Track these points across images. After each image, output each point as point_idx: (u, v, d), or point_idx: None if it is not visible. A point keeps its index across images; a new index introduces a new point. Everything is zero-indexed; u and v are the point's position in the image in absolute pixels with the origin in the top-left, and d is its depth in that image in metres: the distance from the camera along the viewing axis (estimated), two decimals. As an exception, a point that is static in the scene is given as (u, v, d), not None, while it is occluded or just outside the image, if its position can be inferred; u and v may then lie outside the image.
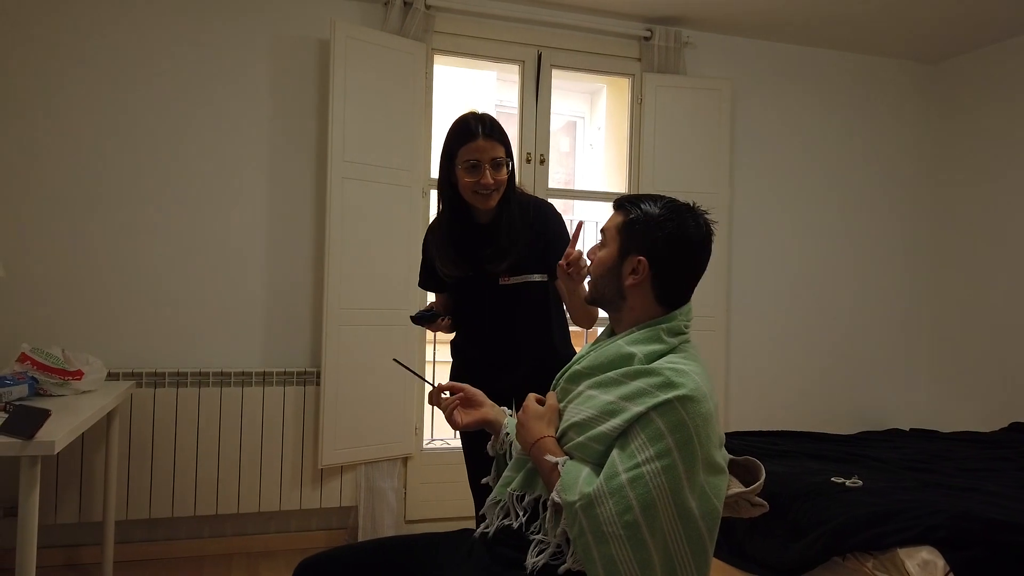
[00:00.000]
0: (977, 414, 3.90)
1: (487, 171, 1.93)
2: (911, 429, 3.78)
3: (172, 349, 3.12)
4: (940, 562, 2.00)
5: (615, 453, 1.30)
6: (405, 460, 3.42)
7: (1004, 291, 3.83)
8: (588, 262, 1.59)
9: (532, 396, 1.52)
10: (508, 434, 1.61)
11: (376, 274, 3.25)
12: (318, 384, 3.19)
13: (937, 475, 2.69)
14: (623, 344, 1.43)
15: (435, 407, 1.59)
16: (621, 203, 1.52)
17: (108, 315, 3.05)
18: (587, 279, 1.59)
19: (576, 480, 1.31)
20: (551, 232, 2.10)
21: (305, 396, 3.20)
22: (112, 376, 2.90)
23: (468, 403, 1.63)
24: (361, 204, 3.20)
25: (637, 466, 1.26)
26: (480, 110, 2.05)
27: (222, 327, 3.18)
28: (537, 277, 2.09)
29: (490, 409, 1.63)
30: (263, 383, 3.15)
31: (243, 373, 3.14)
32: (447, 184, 2.03)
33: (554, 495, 1.33)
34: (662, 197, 1.50)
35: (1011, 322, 3.79)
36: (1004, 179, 3.85)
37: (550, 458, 1.38)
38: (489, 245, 2.04)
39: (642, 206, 1.48)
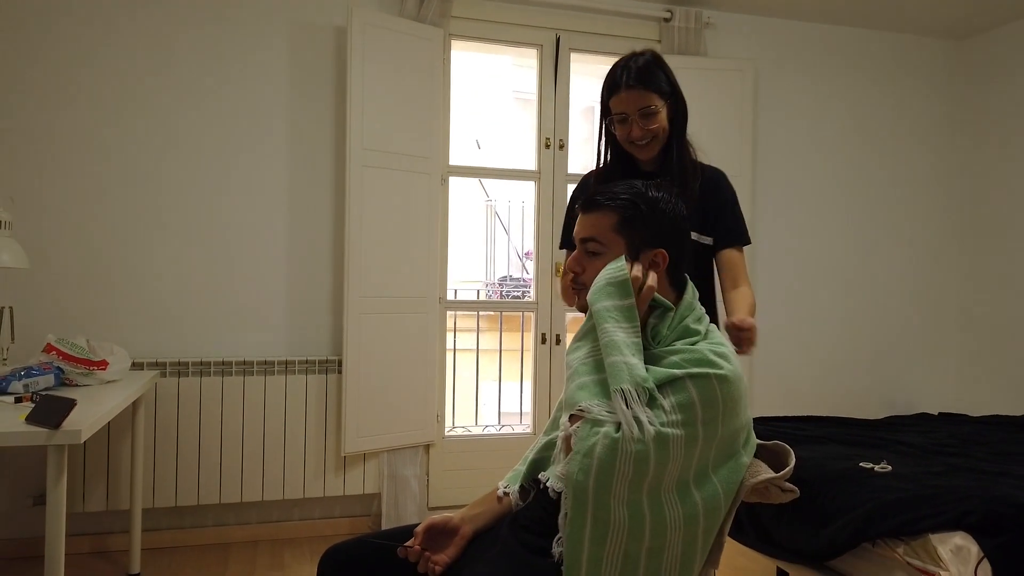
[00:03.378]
0: (1007, 398, 3.83)
1: (635, 123, 1.83)
2: (940, 413, 3.72)
3: (195, 339, 3.14)
4: (974, 548, 1.96)
5: None
6: (427, 447, 3.42)
7: (1035, 272, 3.75)
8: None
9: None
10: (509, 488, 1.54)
11: (396, 261, 3.24)
12: (340, 372, 3.19)
13: (968, 459, 2.64)
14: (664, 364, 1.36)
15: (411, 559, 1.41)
16: (597, 202, 1.42)
17: (132, 305, 3.07)
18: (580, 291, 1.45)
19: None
20: (722, 197, 1.97)
21: (327, 384, 3.21)
22: (136, 366, 2.92)
23: (441, 536, 1.46)
24: (380, 192, 3.18)
25: (662, 424, 1.23)
26: (639, 49, 1.89)
27: (244, 316, 3.20)
28: (699, 238, 1.93)
29: (467, 525, 1.48)
30: (285, 372, 3.16)
31: (266, 362, 3.15)
32: (609, 135, 1.94)
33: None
34: (627, 182, 1.45)
35: (1043, 304, 3.71)
36: (1035, 157, 3.76)
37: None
38: None
39: (624, 197, 1.41)
